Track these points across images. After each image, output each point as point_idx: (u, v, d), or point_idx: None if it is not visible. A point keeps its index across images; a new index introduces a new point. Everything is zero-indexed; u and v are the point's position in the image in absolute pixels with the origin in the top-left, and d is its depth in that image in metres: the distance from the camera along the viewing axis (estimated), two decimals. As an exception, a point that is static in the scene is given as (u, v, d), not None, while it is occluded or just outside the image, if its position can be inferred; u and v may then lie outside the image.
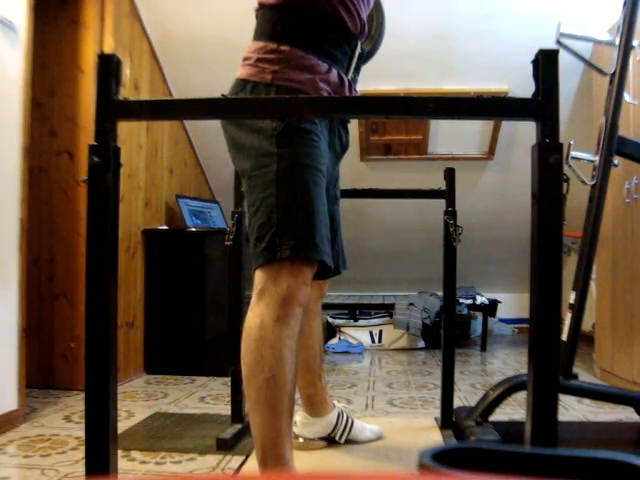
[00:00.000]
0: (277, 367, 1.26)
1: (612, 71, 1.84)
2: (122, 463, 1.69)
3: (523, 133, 3.48)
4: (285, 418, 1.27)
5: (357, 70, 1.52)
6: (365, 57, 1.59)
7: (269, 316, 1.27)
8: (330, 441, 1.78)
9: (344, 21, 1.41)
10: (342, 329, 4.03)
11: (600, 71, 1.94)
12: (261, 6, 1.42)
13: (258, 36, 1.41)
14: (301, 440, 1.76)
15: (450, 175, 2.06)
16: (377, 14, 1.68)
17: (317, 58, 1.37)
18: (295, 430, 1.72)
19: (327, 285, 1.73)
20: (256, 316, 1.29)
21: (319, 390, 1.77)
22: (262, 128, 1.32)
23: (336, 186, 1.60)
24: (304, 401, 1.79)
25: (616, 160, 1.83)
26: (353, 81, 1.50)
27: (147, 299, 3.14)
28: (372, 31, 1.71)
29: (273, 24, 1.38)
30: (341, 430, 1.78)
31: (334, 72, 1.41)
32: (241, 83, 1.39)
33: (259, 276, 1.31)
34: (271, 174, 1.29)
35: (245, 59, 1.41)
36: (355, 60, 1.49)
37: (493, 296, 4.18)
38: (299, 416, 1.78)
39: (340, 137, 1.53)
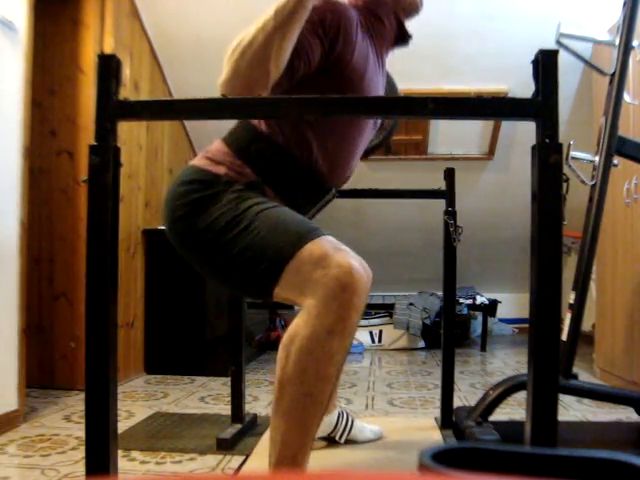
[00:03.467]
0: (318, 385, 1.14)
1: (612, 71, 1.84)
2: (122, 463, 1.69)
3: (523, 133, 3.48)
4: (312, 434, 1.20)
5: (320, 208, 1.51)
6: (379, 144, 1.60)
7: (322, 326, 1.12)
8: (330, 441, 1.78)
9: (324, 178, 1.41)
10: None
11: (600, 71, 1.94)
12: (247, 124, 1.39)
13: (229, 142, 1.38)
14: None
15: (450, 175, 2.06)
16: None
17: (273, 192, 1.35)
18: None
19: (370, 284, 1.67)
20: (307, 324, 1.13)
21: (333, 389, 1.75)
22: (209, 225, 1.27)
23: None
24: None
25: (616, 160, 1.83)
26: (313, 215, 1.50)
27: (147, 299, 3.14)
28: (384, 123, 1.74)
29: (248, 144, 1.36)
30: (341, 430, 1.78)
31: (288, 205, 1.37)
32: (192, 168, 1.36)
33: (301, 292, 1.17)
34: (233, 237, 1.24)
35: (206, 152, 1.38)
36: (322, 203, 1.49)
37: (493, 296, 4.19)
38: None
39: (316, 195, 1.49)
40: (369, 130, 1.53)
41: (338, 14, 1.31)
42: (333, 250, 1.19)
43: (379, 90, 1.47)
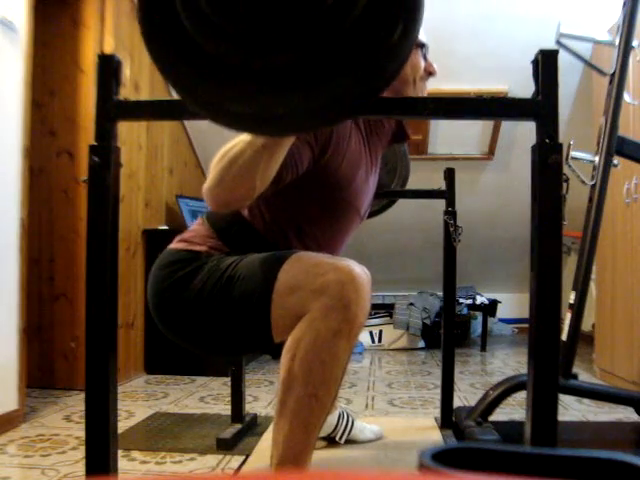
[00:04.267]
0: (323, 386, 1.14)
1: (612, 71, 1.84)
2: (122, 463, 1.70)
3: (523, 133, 3.48)
4: (315, 435, 1.20)
5: None
6: (383, 208, 1.59)
7: (328, 329, 1.11)
8: (330, 441, 1.78)
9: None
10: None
11: (600, 71, 1.94)
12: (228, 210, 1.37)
13: (212, 222, 1.38)
14: None
15: (450, 175, 2.06)
16: (402, 168, 1.80)
17: None
18: None
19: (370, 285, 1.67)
20: (311, 327, 1.13)
21: None
22: (198, 293, 1.27)
23: None
24: None
25: (616, 160, 1.83)
26: None
27: (147, 299, 3.14)
28: (398, 171, 1.85)
29: (229, 225, 1.36)
30: (341, 430, 1.78)
31: None
32: (171, 250, 1.36)
33: (303, 303, 1.15)
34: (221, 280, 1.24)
35: (184, 236, 1.39)
36: None
37: (493, 296, 4.19)
38: None
39: None
40: (356, 223, 1.49)
41: None
42: (322, 257, 1.19)
43: (367, 195, 1.45)
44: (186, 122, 3.72)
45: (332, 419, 1.78)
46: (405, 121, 1.53)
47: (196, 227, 1.41)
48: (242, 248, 1.33)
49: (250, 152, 1.07)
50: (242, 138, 1.09)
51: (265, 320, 1.19)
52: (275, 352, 1.32)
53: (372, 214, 1.85)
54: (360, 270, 1.17)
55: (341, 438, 1.78)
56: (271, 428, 1.30)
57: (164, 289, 1.31)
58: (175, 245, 1.38)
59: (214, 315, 1.26)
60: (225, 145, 1.12)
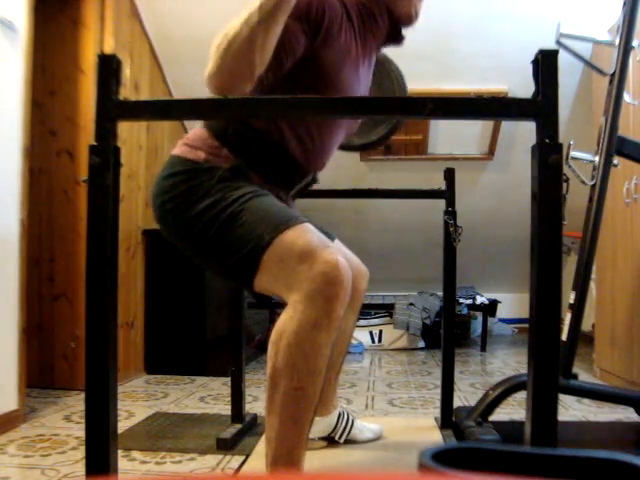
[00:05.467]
0: (308, 378, 1.17)
1: (612, 71, 1.84)
2: (122, 463, 1.69)
3: (523, 133, 3.48)
4: (306, 428, 1.22)
5: (299, 190, 1.52)
6: (382, 138, 1.64)
7: (308, 320, 1.15)
8: (330, 441, 1.78)
9: (299, 163, 1.42)
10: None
11: (600, 71, 1.94)
12: None
13: (208, 127, 1.40)
14: None
15: (450, 175, 2.06)
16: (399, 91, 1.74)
17: (254, 173, 1.37)
18: None
19: (365, 281, 1.66)
20: (292, 319, 1.17)
21: (331, 388, 1.75)
22: (198, 215, 1.30)
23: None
24: None
25: (616, 160, 1.83)
26: (293, 198, 1.52)
27: (147, 299, 3.14)
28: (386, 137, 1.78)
29: (225, 126, 1.37)
30: (341, 430, 1.78)
31: (268, 187, 1.39)
32: (174, 158, 1.39)
33: (286, 283, 1.20)
34: (222, 213, 1.28)
35: (185, 140, 1.41)
36: (300, 186, 1.50)
37: (493, 296, 4.18)
38: None
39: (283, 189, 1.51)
40: (348, 123, 1.53)
41: (323, 6, 1.31)
42: (317, 244, 1.22)
43: (356, 86, 1.45)
44: (186, 122, 3.72)
45: (332, 419, 1.78)
46: (401, 20, 1.50)
47: (196, 131, 1.42)
48: (240, 149, 1.36)
49: (247, 29, 1.15)
50: (237, 21, 1.16)
51: (249, 272, 1.25)
52: (258, 299, 1.36)
53: (371, 144, 1.80)
54: (346, 265, 1.20)
55: (340, 438, 1.78)
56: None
57: (165, 202, 1.36)
58: (176, 151, 1.41)
59: (207, 242, 1.30)
60: (218, 35, 1.18)
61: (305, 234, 1.24)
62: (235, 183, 1.32)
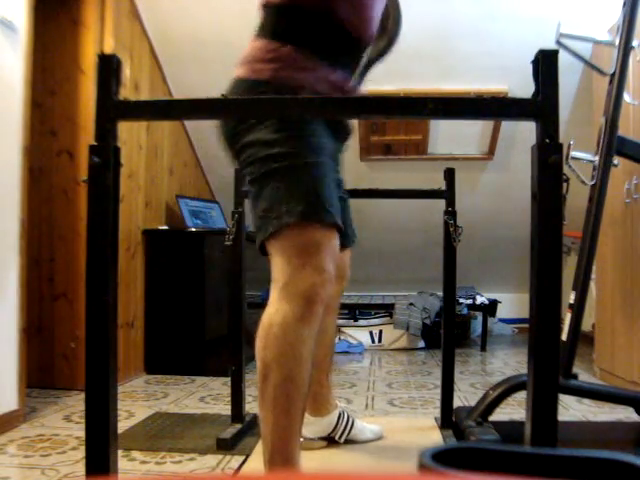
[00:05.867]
0: (295, 368, 1.23)
1: (612, 71, 1.84)
2: (122, 463, 1.69)
3: (523, 133, 3.48)
4: (298, 419, 1.26)
5: (362, 75, 1.49)
6: (381, 52, 1.55)
7: (292, 314, 1.23)
8: (330, 441, 1.78)
9: (351, 29, 1.38)
10: (342, 329, 4.03)
11: (600, 71, 1.94)
12: (264, 5, 1.39)
13: (259, 35, 1.39)
14: (301, 439, 1.75)
15: (450, 175, 2.06)
16: (393, 8, 1.62)
17: (320, 61, 1.35)
18: None
19: (346, 281, 1.73)
20: (278, 312, 1.24)
21: (325, 389, 1.77)
22: (255, 144, 1.31)
23: (338, 171, 1.56)
24: (308, 399, 1.79)
25: (616, 160, 1.83)
26: (357, 86, 1.48)
27: (147, 299, 3.14)
28: (388, 26, 1.66)
29: (275, 23, 1.36)
30: (341, 430, 1.78)
31: (336, 76, 1.38)
32: (239, 82, 1.37)
33: (279, 266, 1.27)
34: (274, 157, 1.28)
35: (244, 58, 1.39)
36: (360, 67, 1.46)
37: (493, 296, 4.18)
38: None
39: (342, 123, 1.51)
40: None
41: None
42: (322, 249, 1.26)
43: None
44: (186, 122, 3.72)
45: (332, 419, 1.78)
46: None
47: (252, 45, 1.40)
48: (298, 35, 1.34)
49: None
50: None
51: (262, 235, 1.31)
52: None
53: (373, 62, 1.76)
54: (332, 279, 1.28)
55: (341, 437, 1.78)
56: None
57: (233, 125, 1.37)
58: (241, 73, 1.38)
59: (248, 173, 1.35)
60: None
61: (319, 235, 1.27)
62: (300, 131, 1.30)
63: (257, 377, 1.27)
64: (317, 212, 1.26)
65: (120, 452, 1.72)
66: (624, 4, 1.84)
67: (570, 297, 1.82)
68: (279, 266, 1.27)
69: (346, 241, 1.56)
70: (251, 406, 2.37)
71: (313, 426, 1.76)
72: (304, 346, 1.24)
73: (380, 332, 4.05)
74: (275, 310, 1.25)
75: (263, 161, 1.29)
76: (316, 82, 1.34)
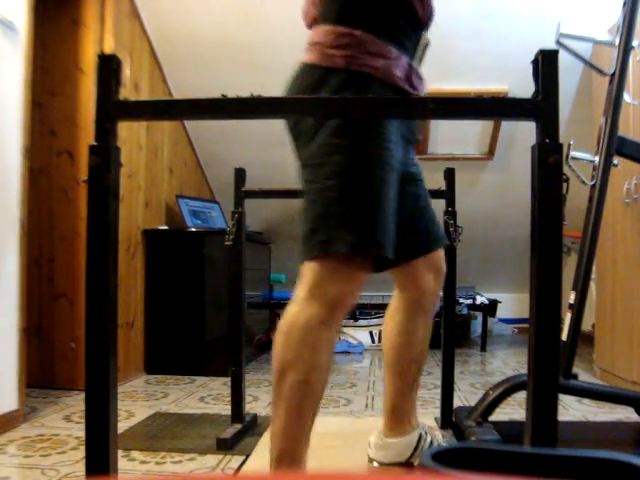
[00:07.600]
0: (314, 371, 1.21)
1: (612, 71, 1.84)
2: (122, 463, 1.69)
3: (523, 133, 3.48)
4: (310, 423, 1.23)
5: (420, 60, 1.44)
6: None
7: (317, 317, 1.20)
8: (407, 465, 1.52)
9: (414, 9, 1.32)
10: (342, 329, 4.03)
11: (600, 71, 1.94)
12: None
13: (325, 20, 1.30)
14: (375, 465, 1.53)
15: (450, 175, 2.06)
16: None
17: (388, 44, 1.28)
18: (369, 453, 1.57)
19: (442, 277, 1.56)
20: (303, 314, 1.21)
21: (407, 404, 1.56)
22: (319, 139, 1.24)
23: (415, 177, 1.49)
24: (385, 414, 1.57)
25: (616, 160, 1.83)
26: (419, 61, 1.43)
27: (147, 299, 3.14)
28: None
29: (342, 7, 1.29)
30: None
31: (403, 59, 1.31)
32: (309, 69, 1.28)
33: (313, 271, 1.22)
34: (332, 165, 1.21)
35: (312, 44, 1.30)
36: (420, 50, 1.41)
37: (493, 296, 4.19)
38: (373, 437, 1.57)
39: (410, 124, 1.43)
40: None
41: None
42: (352, 274, 1.24)
43: None
44: (186, 122, 3.72)
45: (411, 440, 1.54)
46: None
47: (318, 28, 1.32)
48: (360, 15, 1.27)
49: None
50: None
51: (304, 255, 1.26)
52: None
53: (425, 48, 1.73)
54: (361, 287, 1.27)
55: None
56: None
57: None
58: (310, 59, 1.29)
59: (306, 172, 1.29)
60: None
61: (361, 263, 1.24)
62: (368, 134, 1.23)
63: (272, 375, 1.24)
64: (369, 246, 1.21)
65: (120, 452, 1.72)
66: (624, 4, 1.84)
67: (570, 297, 1.82)
68: (312, 268, 1.23)
69: (432, 244, 1.50)
70: (251, 406, 2.38)
71: (389, 449, 1.54)
72: (325, 351, 1.22)
73: (380, 332, 4.05)
74: (300, 309, 1.22)
75: (318, 170, 1.23)
76: (390, 68, 1.27)
